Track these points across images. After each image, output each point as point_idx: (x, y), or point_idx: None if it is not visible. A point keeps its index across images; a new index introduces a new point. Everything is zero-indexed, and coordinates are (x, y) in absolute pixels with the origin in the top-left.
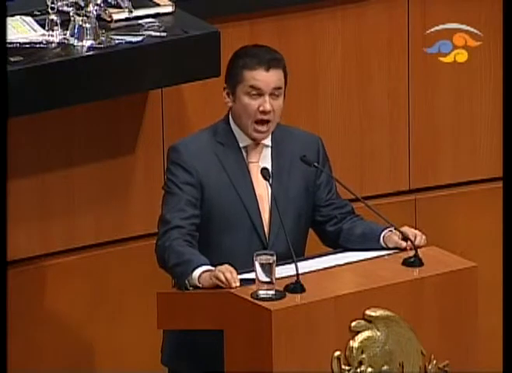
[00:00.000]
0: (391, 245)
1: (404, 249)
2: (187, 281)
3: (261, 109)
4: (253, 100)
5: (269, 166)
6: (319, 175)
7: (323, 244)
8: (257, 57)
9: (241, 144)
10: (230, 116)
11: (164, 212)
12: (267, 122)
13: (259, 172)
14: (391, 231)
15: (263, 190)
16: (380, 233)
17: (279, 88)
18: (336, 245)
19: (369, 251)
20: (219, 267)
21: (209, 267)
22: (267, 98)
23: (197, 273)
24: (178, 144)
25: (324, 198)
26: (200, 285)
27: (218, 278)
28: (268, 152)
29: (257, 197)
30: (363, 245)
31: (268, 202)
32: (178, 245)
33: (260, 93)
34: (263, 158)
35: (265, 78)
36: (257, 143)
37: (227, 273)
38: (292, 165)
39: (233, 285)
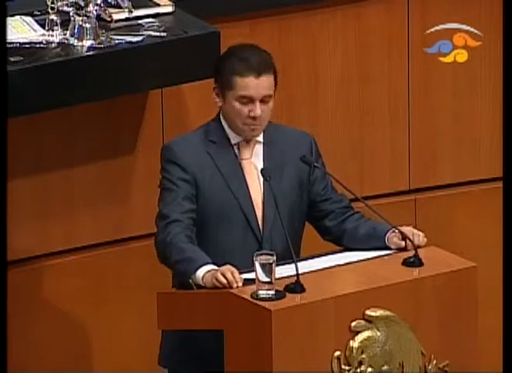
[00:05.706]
0: (392, 247)
1: (404, 249)
2: (191, 280)
3: (251, 114)
4: (243, 106)
5: (261, 163)
6: (313, 171)
7: (322, 239)
8: (247, 62)
9: (233, 142)
10: (221, 115)
11: (161, 207)
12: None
13: (252, 168)
14: (394, 231)
15: (256, 187)
16: (385, 234)
17: (270, 96)
18: (338, 242)
19: (371, 250)
20: (220, 268)
21: (212, 267)
22: (257, 104)
23: (200, 273)
24: (171, 143)
25: (320, 193)
26: (203, 285)
27: (218, 280)
28: (260, 149)
29: (251, 193)
30: (368, 245)
31: (261, 198)
32: (180, 241)
33: (250, 100)
34: (255, 155)
35: (256, 85)
36: (249, 139)
37: (228, 273)
38: (284, 162)
39: (234, 286)
